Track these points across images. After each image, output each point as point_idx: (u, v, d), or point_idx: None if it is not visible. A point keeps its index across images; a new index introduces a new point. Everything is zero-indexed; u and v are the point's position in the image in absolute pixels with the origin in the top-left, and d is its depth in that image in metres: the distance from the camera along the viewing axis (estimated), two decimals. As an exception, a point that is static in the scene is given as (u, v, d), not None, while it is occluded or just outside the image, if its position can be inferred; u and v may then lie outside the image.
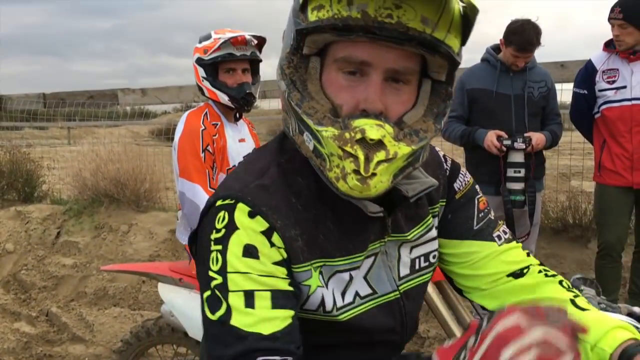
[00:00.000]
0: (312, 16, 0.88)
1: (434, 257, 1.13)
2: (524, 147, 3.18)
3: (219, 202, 0.94)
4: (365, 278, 1.02)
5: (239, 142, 2.60)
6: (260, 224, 0.91)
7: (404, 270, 1.07)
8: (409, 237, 1.07)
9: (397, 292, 1.06)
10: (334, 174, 0.88)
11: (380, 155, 0.87)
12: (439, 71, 0.95)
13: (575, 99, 3.43)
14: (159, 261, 4.41)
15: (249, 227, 0.91)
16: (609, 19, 3.13)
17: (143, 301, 4.26)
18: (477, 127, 3.30)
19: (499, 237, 1.16)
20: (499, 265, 1.13)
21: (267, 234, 0.91)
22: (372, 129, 0.86)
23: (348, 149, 0.86)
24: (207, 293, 0.90)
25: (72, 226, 5.15)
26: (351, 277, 1.00)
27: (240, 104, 2.53)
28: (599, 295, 1.29)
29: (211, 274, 0.90)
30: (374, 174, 0.87)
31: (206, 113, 2.53)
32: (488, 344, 0.69)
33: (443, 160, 1.17)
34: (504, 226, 1.20)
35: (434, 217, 1.13)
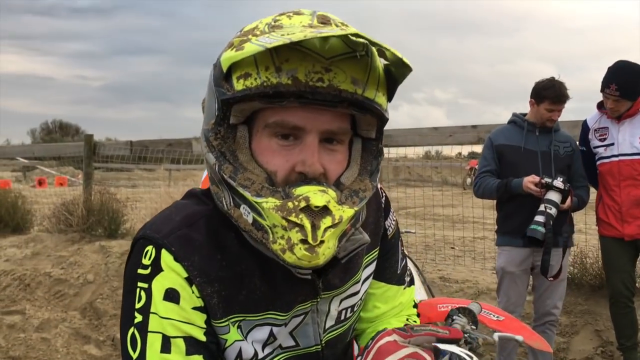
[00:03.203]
0: (239, 85, 0.84)
1: (358, 306, 1.13)
2: (562, 186, 3.21)
3: (144, 239, 0.94)
4: (291, 333, 1.02)
5: None
6: (183, 271, 0.91)
7: (330, 322, 1.07)
8: (341, 290, 1.06)
9: (319, 346, 1.05)
10: (279, 246, 0.85)
11: (327, 221, 0.85)
12: (368, 129, 0.95)
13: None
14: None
15: (173, 270, 0.90)
16: (605, 93, 3.28)
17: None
18: (511, 177, 3.38)
19: (405, 281, 1.22)
20: (396, 313, 1.20)
21: (189, 282, 0.91)
22: (317, 196, 0.84)
23: (293, 218, 0.83)
24: (130, 331, 0.90)
25: (145, 261, 5.69)
26: (272, 332, 0.98)
27: None
28: (471, 324, 1.46)
29: (135, 312, 0.90)
30: (322, 242, 0.85)
31: None
32: (371, 357, 0.87)
33: (381, 195, 1.15)
34: (409, 267, 1.25)
35: (367, 266, 1.12)
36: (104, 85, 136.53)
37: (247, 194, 0.86)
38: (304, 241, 0.84)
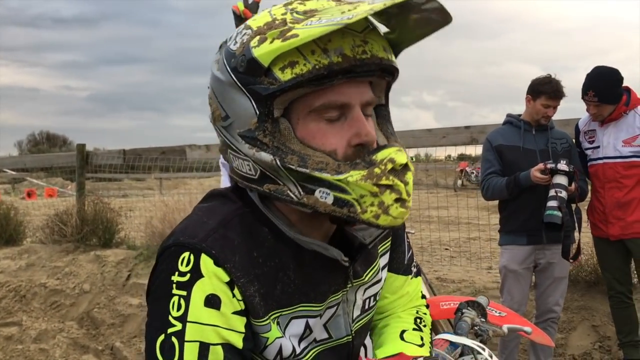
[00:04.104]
0: (285, 75, 0.85)
1: (379, 294, 1.16)
2: (567, 168, 3.24)
3: (177, 246, 0.91)
4: (324, 325, 1.04)
5: None
6: (224, 275, 0.89)
7: (357, 312, 1.09)
8: (365, 280, 1.09)
9: (350, 336, 1.08)
10: (371, 214, 0.87)
11: (409, 176, 0.90)
12: (380, 95, 0.98)
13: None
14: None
15: (214, 275, 0.89)
16: (585, 100, 3.36)
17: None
18: (518, 172, 3.39)
19: (412, 271, 1.26)
20: (405, 303, 1.25)
21: (230, 285, 0.89)
22: (398, 154, 0.89)
23: (384, 182, 0.86)
24: (161, 338, 0.87)
25: (141, 269, 5.68)
26: (308, 324, 1.00)
27: None
28: (480, 317, 1.49)
29: (170, 319, 0.87)
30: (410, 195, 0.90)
31: None
32: None
33: None
34: (414, 257, 1.30)
35: (383, 255, 1.16)
36: (91, 95, 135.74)
37: (326, 176, 0.87)
38: (398, 199, 0.88)
